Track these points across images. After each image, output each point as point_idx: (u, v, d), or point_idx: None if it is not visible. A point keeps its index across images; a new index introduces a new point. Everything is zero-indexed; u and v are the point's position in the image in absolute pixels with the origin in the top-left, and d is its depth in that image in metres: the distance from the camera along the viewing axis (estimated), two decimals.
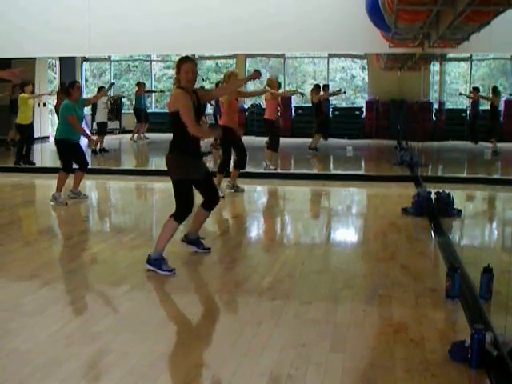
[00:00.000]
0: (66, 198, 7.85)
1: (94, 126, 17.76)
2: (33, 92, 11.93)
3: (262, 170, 10.65)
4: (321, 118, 14.33)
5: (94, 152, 13.22)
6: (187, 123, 4.69)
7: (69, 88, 7.81)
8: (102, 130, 13.76)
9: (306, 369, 3.16)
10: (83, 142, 8.20)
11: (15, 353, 3.36)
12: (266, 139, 13.99)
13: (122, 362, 3.24)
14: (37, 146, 11.64)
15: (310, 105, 16.03)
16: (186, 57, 4.90)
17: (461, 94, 16.85)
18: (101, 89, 13.92)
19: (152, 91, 19.42)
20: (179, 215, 4.84)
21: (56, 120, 13.64)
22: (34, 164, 11.45)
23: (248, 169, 8.78)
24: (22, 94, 11.12)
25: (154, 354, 3.35)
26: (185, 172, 4.83)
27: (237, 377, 3.11)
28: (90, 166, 9.51)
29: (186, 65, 4.77)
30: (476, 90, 14.41)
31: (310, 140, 14.38)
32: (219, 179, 8.13)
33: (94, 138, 10.77)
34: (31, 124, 11.42)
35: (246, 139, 8.51)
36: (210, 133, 4.81)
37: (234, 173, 8.48)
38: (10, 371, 3.13)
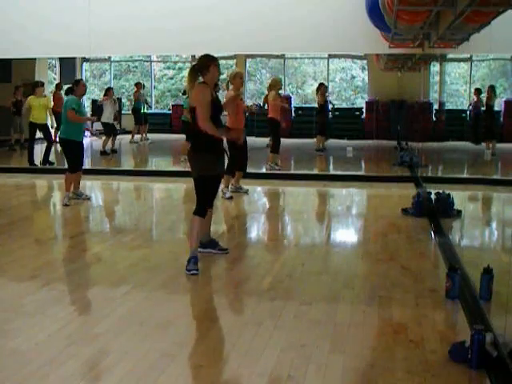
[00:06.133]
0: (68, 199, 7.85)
1: (95, 127, 17.86)
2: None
3: (262, 171, 10.65)
4: (324, 118, 14.33)
5: (103, 153, 13.27)
6: (199, 116, 4.80)
7: (73, 86, 7.90)
8: (111, 131, 13.75)
9: (306, 369, 3.16)
10: (83, 141, 8.18)
11: (15, 353, 3.36)
12: (267, 140, 14.08)
13: (122, 362, 3.24)
14: (37, 147, 11.60)
15: (311, 105, 16.08)
16: (214, 56, 5.02)
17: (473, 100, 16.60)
18: (108, 89, 14.01)
19: (147, 102, 18.63)
20: (200, 209, 4.96)
21: (54, 122, 13.68)
22: (53, 164, 11.38)
23: (249, 169, 8.78)
24: (37, 96, 11.16)
25: (154, 354, 3.35)
26: (205, 168, 4.89)
27: (237, 377, 3.11)
28: (90, 167, 9.54)
29: (216, 64, 4.95)
30: (478, 90, 14.39)
31: (309, 140, 14.39)
32: (227, 180, 8.10)
33: (94, 118, 10.78)
34: (46, 124, 11.40)
35: (246, 139, 8.50)
36: (220, 133, 4.89)
37: (237, 175, 8.46)
38: (10, 371, 3.14)
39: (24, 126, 14.04)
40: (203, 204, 4.98)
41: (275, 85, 10.54)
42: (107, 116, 13.75)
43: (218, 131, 4.91)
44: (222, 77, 7.38)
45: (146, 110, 16.87)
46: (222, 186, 7.27)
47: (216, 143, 4.96)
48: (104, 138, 13.67)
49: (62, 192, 8.64)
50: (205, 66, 4.92)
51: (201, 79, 4.96)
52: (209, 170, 4.90)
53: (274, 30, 10.05)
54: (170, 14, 10.14)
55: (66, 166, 8.07)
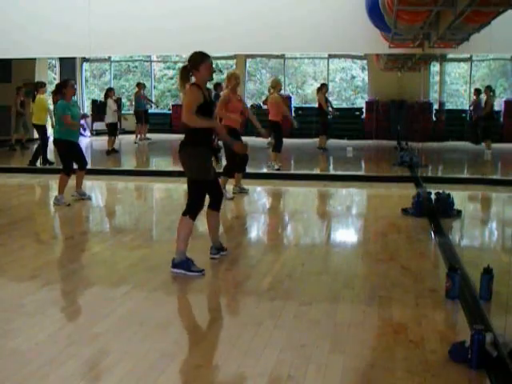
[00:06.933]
0: (68, 199, 7.84)
1: (95, 127, 17.87)
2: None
3: (262, 171, 10.65)
4: (325, 118, 14.35)
5: (109, 152, 13.30)
6: (185, 109, 4.65)
7: (62, 88, 7.78)
8: (112, 131, 13.76)
9: (305, 369, 3.16)
10: (83, 141, 8.20)
11: (15, 353, 3.37)
12: (267, 140, 14.10)
13: (122, 362, 3.24)
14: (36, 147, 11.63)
15: (311, 105, 16.04)
16: (205, 53, 4.81)
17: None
18: (110, 90, 14.06)
19: (149, 100, 18.16)
20: (192, 212, 4.81)
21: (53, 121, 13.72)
22: (53, 163, 11.39)
23: (248, 169, 8.78)
24: (39, 96, 11.16)
25: (154, 354, 3.35)
26: (205, 172, 4.78)
27: (237, 377, 3.11)
28: (91, 167, 9.54)
29: (208, 61, 4.76)
30: (477, 91, 14.41)
31: (310, 140, 14.40)
32: (224, 182, 8.10)
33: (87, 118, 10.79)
34: (45, 125, 11.44)
35: (246, 140, 8.50)
36: (208, 123, 4.70)
37: (237, 176, 8.46)
38: (10, 371, 3.14)
39: (28, 125, 14.10)
40: (196, 205, 4.83)
41: (275, 86, 10.55)
42: (111, 116, 13.76)
43: (205, 122, 4.66)
44: (222, 76, 7.30)
45: (148, 109, 16.90)
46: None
47: (208, 144, 4.87)
48: (108, 138, 13.71)
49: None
50: (195, 64, 4.75)
51: (193, 79, 4.81)
52: (208, 174, 4.79)
53: (273, 30, 10.05)
54: (169, 14, 10.15)
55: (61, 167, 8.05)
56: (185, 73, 4.81)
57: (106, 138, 14.04)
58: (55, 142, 7.93)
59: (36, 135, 11.58)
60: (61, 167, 8.04)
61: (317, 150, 14.04)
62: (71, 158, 7.85)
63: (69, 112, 7.60)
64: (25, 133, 14.67)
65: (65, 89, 7.69)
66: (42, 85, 11.56)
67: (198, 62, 4.74)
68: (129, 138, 16.47)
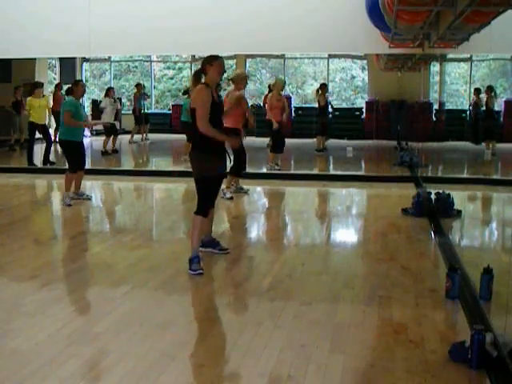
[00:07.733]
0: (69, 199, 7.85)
1: (95, 127, 17.82)
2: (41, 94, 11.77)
3: (262, 171, 10.65)
4: (325, 119, 14.31)
5: (104, 153, 13.27)
6: (198, 117, 4.81)
7: (72, 87, 7.88)
8: (109, 131, 13.74)
9: (305, 369, 3.16)
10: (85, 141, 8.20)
11: (15, 353, 3.37)
12: (267, 140, 14.08)
13: (122, 362, 3.24)
14: (37, 147, 11.62)
15: (311, 105, 15.96)
16: (214, 56, 5.05)
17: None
18: (109, 89, 14.05)
19: (147, 95, 18.35)
20: (201, 209, 4.97)
21: (53, 122, 13.71)
22: (54, 163, 11.40)
23: (248, 169, 8.79)
24: (37, 98, 11.18)
25: (154, 354, 3.35)
26: (204, 169, 4.90)
27: (237, 377, 3.11)
28: (90, 167, 9.54)
29: (219, 61, 4.96)
30: (477, 90, 14.41)
31: (310, 140, 14.35)
32: (229, 181, 8.11)
33: (93, 122, 10.89)
34: (45, 125, 11.42)
35: (246, 140, 8.51)
36: (220, 136, 4.91)
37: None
38: (10, 371, 3.14)
39: (23, 126, 14.08)
40: (204, 204, 4.99)
41: (276, 86, 10.56)
42: (108, 116, 13.75)
43: (217, 134, 4.87)
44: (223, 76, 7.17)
45: (146, 111, 16.90)
46: (223, 185, 7.29)
47: (216, 143, 4.97)
48: (105, 138, 13.69)
49: (62, 192, 8.64)
50: (204, 66, 4.95)
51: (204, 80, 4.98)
52: (208, 171, 4.91)
53: (273, 30, 10.04)
54: (170, 14, 10.14)
55: (67, 166, 8.09)
56: (197, 76, 4.99)
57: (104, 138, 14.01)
58: (61, 142, 7.96)
59: (32, 135, 11.50)
60: (61, 167, 8.04)
61: (314, 152, 13.92)
62: (76, 157, 7.87)
63: (73, 109, 7.64)
64: (19, 134, 14.66)
65: (76, 87, 7.78)
66: (40, 85, 11.55)
67: (210, 61, 4.95)
68: (129, 138, 16.44)
